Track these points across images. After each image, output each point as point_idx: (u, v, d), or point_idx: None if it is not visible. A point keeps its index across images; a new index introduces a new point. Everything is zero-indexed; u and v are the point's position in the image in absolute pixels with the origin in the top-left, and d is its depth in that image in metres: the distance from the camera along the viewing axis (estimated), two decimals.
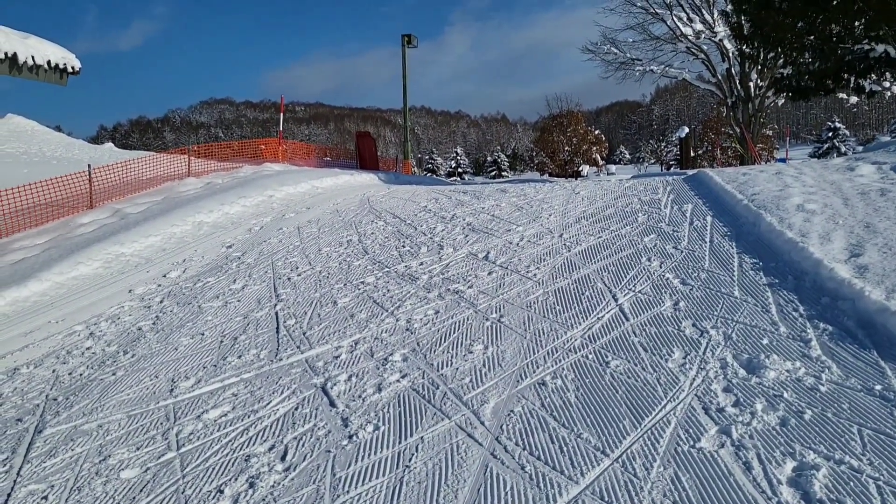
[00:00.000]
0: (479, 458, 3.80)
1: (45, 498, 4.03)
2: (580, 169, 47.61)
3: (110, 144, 26.74)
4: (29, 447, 4.75)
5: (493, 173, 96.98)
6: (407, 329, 6.05)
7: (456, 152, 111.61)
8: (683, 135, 35.06)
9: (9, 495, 4.11)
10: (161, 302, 8.05)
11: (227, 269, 9.11)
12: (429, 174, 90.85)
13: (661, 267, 6.79)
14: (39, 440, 4.84)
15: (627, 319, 5.57)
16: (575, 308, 6.03)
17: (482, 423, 4.19)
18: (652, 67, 30.23)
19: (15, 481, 4.27)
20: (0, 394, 5.87)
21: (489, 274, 7.35)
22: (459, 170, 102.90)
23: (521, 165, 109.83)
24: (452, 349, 5.45)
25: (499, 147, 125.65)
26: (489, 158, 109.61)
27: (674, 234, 7.89)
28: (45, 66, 22.21)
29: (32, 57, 21.56)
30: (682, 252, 7.18)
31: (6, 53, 20.48)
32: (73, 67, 23.55)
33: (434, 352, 5.45)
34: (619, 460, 3.58)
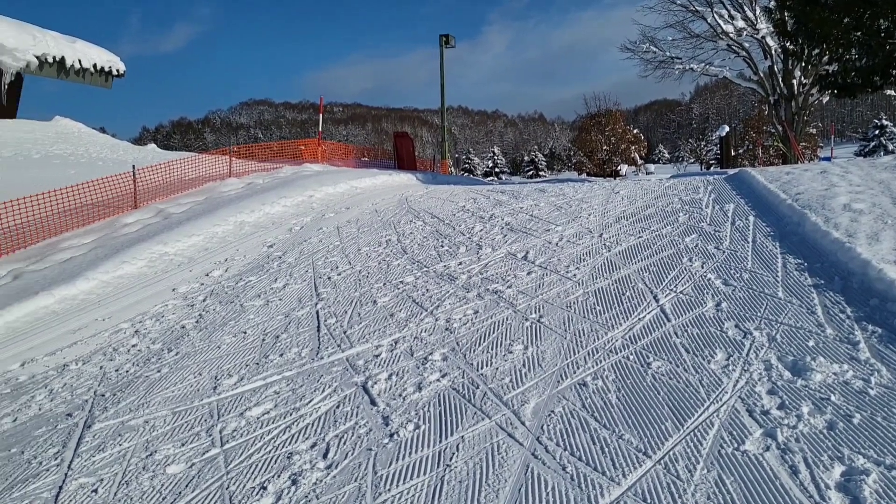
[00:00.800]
0: (520, 458, 3.80)
1: (95, 491, 4.12)
2: (619, 168, 47.20)
3: (153, 145, 27.25)
4: (79, 441, 4.86)
5: (531, 173, 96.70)
6: (446, 329, 6.07)
7: (493, 152, 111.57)
8: (724, 133, 34.55)
9: (60, 488, 4.21)
10: (204, 300, 8.19)
11: (269, 269, 9.22)
12: (466, 174, 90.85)
13: (702, 267, 6.71)
14: (88, 435, 4.96)
15: (669, 320, 5.52)
16: (615, 308, 5.99)
17: (523, 423, 4.18)
18: (692, 66, 29.82)
19: (66, 474, 4.38)
20: (51, 389, 6.02)
21: (528, 274, 7.34)
22: (497, 169, 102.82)
23: (558, 165, 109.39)
24: (492, 349, 5.45)
25: (536, 147, 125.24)
26: (526, 158, 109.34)
27: (715, 234, 7.79)
28: (91, 69, 22.82)
29: (79, 60, 22.17)
30: (724, 252, 7.09)
31: (54, 57, 21.08)
32: (117, 70, 24.14)
33: (474, 351, 5.46)
34: (662, 462, 3.55)
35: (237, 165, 16.83)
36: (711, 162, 70.09)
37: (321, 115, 23.55)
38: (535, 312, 6.16)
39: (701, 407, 4.06)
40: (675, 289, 6.23)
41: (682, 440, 3.73)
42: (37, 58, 20.33)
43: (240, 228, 11.64)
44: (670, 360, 4.79)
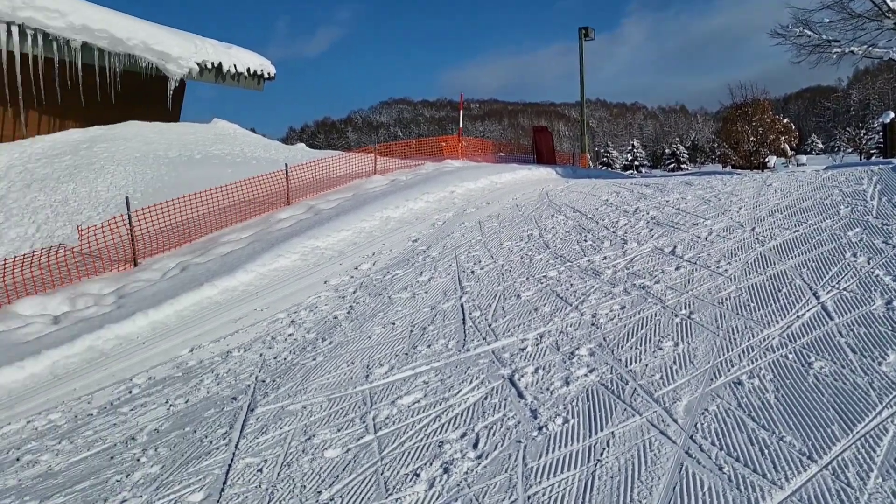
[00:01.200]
0: (673, 455, 3.72)
1: (260, 471, 4.41)
2: (767, 160, 44.79)
3: (302, 145, 28.45)
4: (244, 424, 5.21)
5: (672, 166, 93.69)
6: (592, 324, 6.02)
7: (632, 145, 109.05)
8: (888, 120, 32.08)
9: (230, 465, 4.54)
10: (354, 292, 8.52)
11: (414, 262, 9.46)
12: (604, 168, 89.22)
13: (868, 263, 6.29)
14: (252, 418, 5.30)
15: (831, 318, 5.22)
16: (771, 305, 5.72)
17: (675, 421, 4.09)
18: (852, 48, 27.74)
19: (234, 454, 4.71)
20: (217, 374, 6.48)
21: (676, 269, 7.14)
22: (636, 163, 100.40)
23: (701, 157, 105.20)
24: (640, 345, 5.36)
25: (677, 139, 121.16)
26: (667, 151, 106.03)
27: (883, 228, 7.27)
28: (245, 73, 24.18)
29: (234, 65, 23.54)
30: (893, 247, 6.61)
31: (213, 63, 22.51)
32: (268, 73, 25.44)
33: (621, 347, 5.38)
34: (829, 467, 3.37)
35: (381, 163, 17.34)
36: (872, 151, 65.15)
37: (461, 112, 23.84)
38: (685, 308, 5.99)
39: (872, 411, 3.82)
40: (837, 285, 5.88)
41: (852, 445, 3.52)
42: (197, 64, 21.78)
43: (385, 223, 12.01)
44: (834, 360, 4.53)
